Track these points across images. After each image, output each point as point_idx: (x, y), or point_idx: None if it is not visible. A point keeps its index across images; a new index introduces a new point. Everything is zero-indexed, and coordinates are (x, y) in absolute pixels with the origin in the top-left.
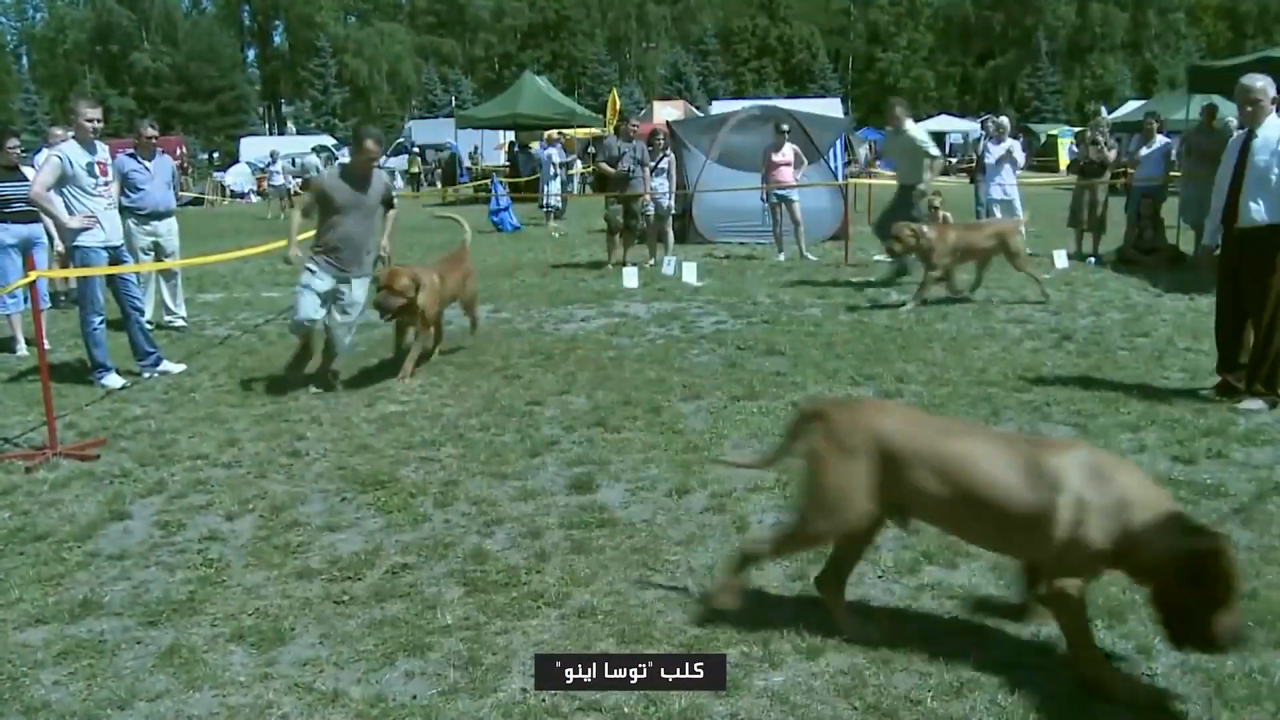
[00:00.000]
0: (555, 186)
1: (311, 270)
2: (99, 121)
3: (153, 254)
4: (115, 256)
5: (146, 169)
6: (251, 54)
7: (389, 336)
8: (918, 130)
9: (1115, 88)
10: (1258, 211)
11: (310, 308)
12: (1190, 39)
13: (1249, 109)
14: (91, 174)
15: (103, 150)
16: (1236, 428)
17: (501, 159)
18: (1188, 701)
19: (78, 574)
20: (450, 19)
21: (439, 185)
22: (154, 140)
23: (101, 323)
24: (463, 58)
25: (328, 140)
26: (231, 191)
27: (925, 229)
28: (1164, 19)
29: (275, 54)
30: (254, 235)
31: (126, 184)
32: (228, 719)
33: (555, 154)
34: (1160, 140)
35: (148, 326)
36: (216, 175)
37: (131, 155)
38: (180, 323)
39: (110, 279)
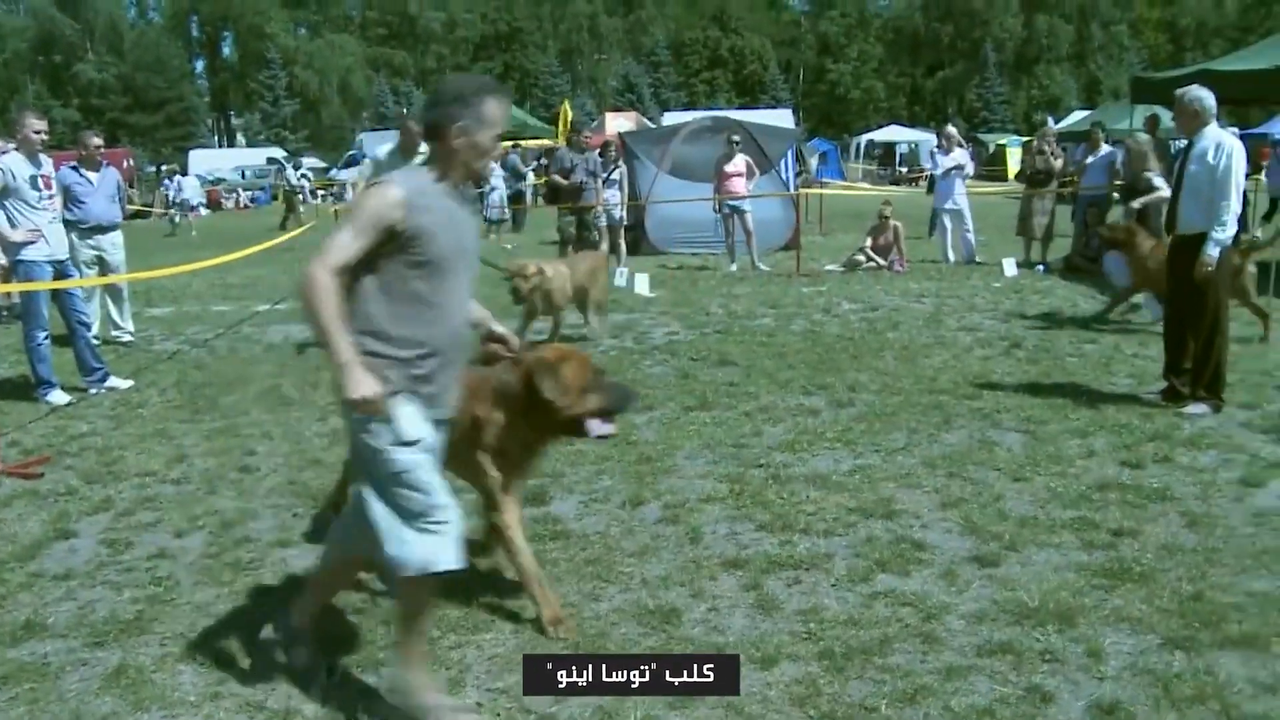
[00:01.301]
0: (495, 198)
1: (408, 438)
2: (45, 134)
3: (96, 268)
4: (60, 271)
5: (89, 182)
6: (200, 65)
7: None
8: None
9: (1061, 98)
10: (1192, 219)
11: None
12: (1133, 51)
13: (1185, 120)
14: (35, 187)
15: (47, 163)
16: (1181, 432)
17: None
18: (1136, 703)
19: (20, 595)
20: (401, 31)
21: None
22: (99, 151)
23: (46, 338)
24: (414, 69)
25: (278, 152)
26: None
27: (547, 269)
28: (1107, 32)
29: (224, 65)
30: (203, 249)
31: (69, 197)
32: None
33: (496, 167)
34: (1105, 150)
35: (94, 342)
36: (164, 187)
37: (74, 168)
38: (127, 338)
39: (55, 294)
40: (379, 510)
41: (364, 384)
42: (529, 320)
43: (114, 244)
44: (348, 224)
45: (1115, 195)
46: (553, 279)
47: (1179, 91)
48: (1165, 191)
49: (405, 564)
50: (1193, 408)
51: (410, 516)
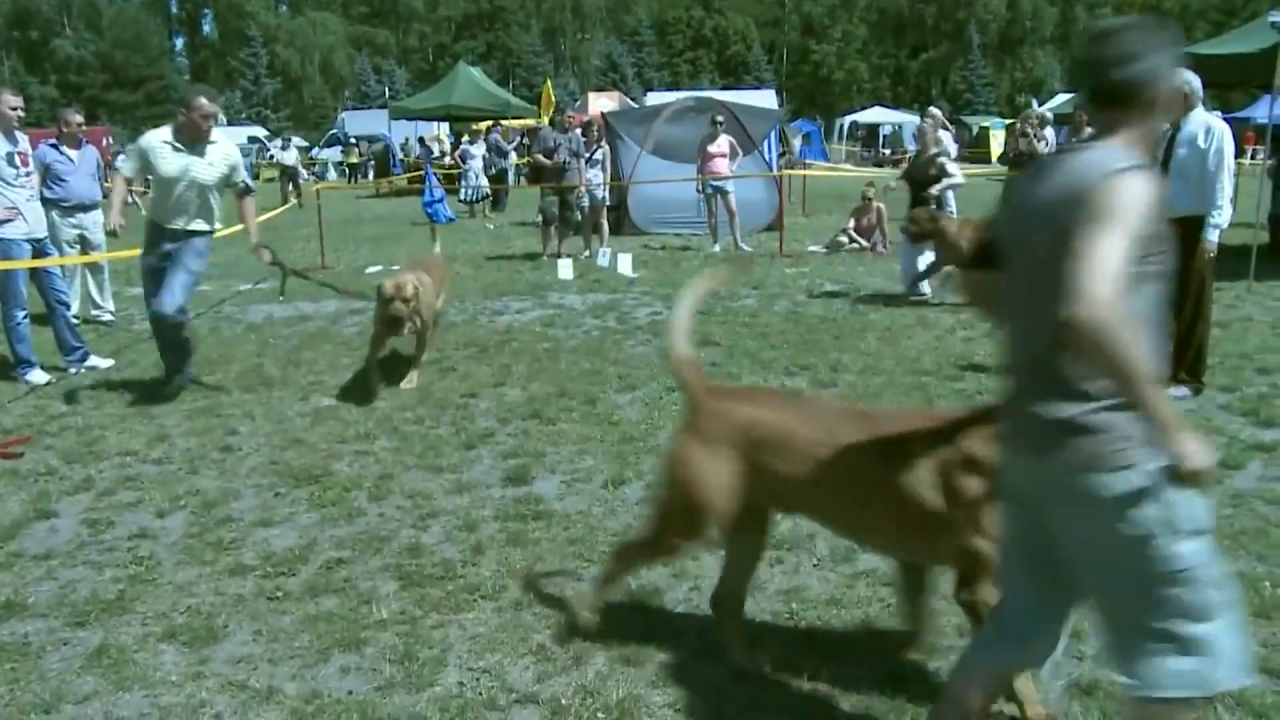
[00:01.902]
0: (470, 178)
1: (1198, 525)
2: (21, 110)
3: (78, 247)
4: (39, 249)
5: (70, 159)
6: (180, 43)
7: (324, 330)
8: (230, 148)
9: (1045, 80)
10: (1180, 202)
11: None
12: None
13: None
14: (12, 164)
15: (24, 140)
16: None
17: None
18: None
19: (0, 575)
20: (383, 9)
21: (371, 177)
22: (81, 129)
23: (25, 317)
24: (396, 48)
25: (260, 131)
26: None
27: (417, 281)
28: (1091, 14)
29: (205, 43)
30: None
31: (49, 175)
32: (159, 719)
33: (476, 149)
34: (1089, 132)
35: (74, 321)
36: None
37: (54, 145)
38: (108, 317)
39: (34, 273)
40: (1122, 618)
41: (1203, 450)
42: (379, 345)
43: (95, 222)
44: (1111, 231)
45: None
46: (425, 292)
47: None
48: (959, 179)
49: (1160, 686)
50: (1173, 390)
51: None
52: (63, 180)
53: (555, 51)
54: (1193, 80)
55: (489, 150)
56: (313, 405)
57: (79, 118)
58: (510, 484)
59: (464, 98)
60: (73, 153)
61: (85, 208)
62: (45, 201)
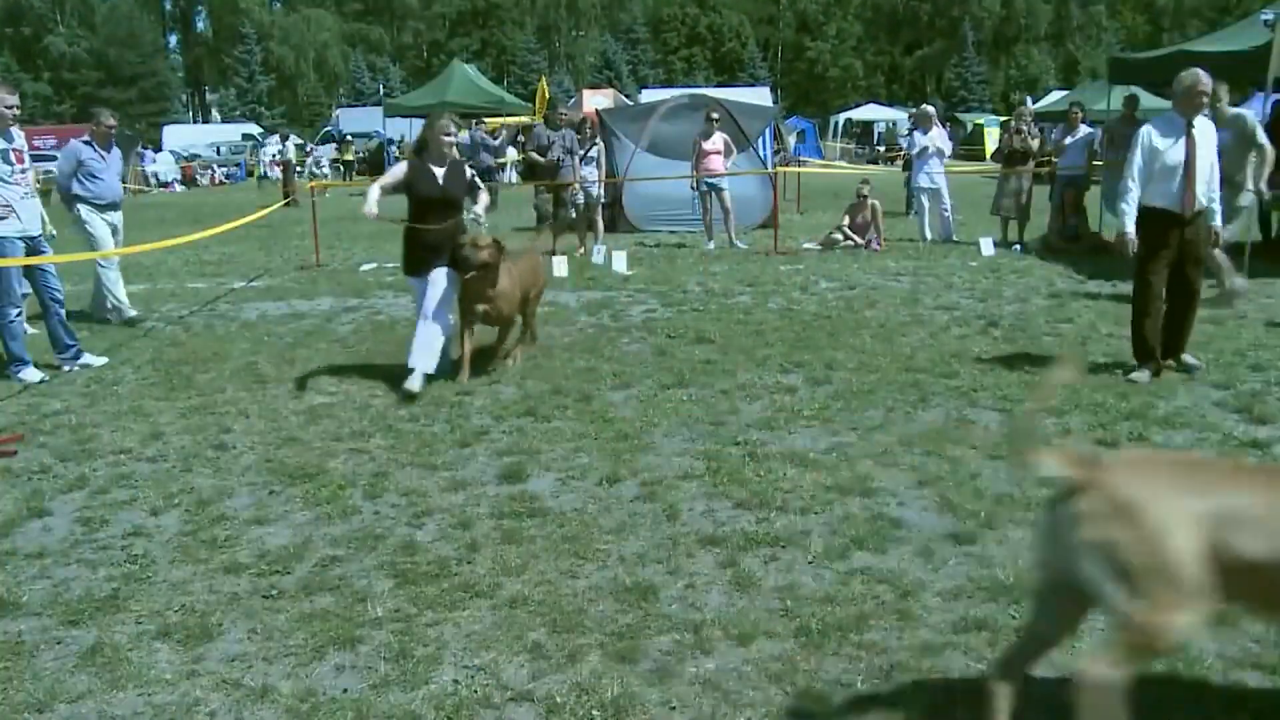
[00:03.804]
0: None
1: None
2: (16, 108)
3: (114, 241)
4: (33, 247)
5: (103, 158)
6: (174, 40)
7: (318, 327)
8: None
9: (1039, 78)
10: (1201, 198)
11: None
12: (1110, 31)
13: (1188, 101)
14: (7, 161)
15: (19, 137)
16: (1156, 411)
17: None
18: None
19: None
20: (378, 6)
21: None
22: (112, 130)
23: (18, 315)
24: (391, 45)
25: (254, 129)
26: (157, 180)
27: None
28: (1085, 11)
29: (198, 40)
30: (178, 225)
31: (82, 172)
32: (153, 718)
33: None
34: (1083, 130)
35: (67, 319)
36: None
37: (87, 143)
38: (132, 312)
39: (28, 270)
40: None
41: None
42: None
43: (120, 219)
44: None
45: (1094, 176)
46: None
47: (1189, 73)
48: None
49: None
50: (1135, 375)
51: None
52: (97, 178)
53: (550, 49)
54: (1207, 80)
55: (473, 146)
56: (307, 403)
57: (111, 121)
58: (505, 482)
59: (459, 95)
60: (106, 152)
61: (115, 206)
62: (77, 198)
